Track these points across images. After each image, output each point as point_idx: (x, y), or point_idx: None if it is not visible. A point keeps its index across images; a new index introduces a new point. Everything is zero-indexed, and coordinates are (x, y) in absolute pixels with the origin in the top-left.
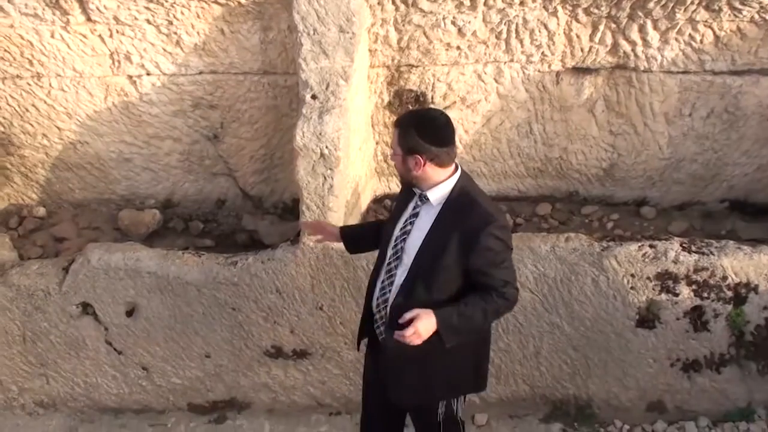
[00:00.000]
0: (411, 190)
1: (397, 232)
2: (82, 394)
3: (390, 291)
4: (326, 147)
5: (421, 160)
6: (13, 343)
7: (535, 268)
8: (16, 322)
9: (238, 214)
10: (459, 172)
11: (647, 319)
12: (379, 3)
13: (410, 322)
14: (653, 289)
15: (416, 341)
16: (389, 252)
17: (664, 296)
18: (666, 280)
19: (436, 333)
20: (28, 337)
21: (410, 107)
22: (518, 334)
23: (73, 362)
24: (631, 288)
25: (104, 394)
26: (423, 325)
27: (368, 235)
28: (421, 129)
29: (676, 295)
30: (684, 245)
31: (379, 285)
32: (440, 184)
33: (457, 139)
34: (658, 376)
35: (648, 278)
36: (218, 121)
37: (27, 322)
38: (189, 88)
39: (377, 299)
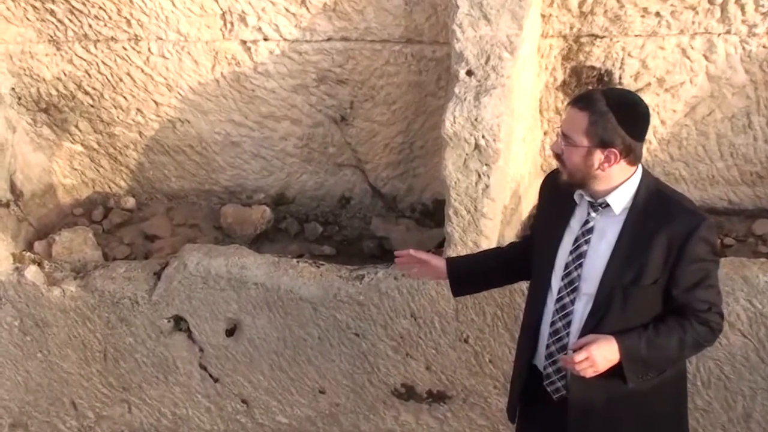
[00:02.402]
0: (568, 198)
1: (565, 256)
2: (170, 427)
3: (568, 334)
4: (483, 136)
5: (617, 156)
6: (92, 360)
7: (749, 305)
8: (97, 334)
9: (366, 216)
10: (641, 168)
11: None
12: None
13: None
14: None
15: (588, 372)
16: (558, 284)
17: None
18: None
19: (616, 367)
20: (109, 354)
21: (591, 89)
22: (723, 389)
23: (160, 388)
24: None
25: (195, 429)
26: (600, 352)
27: (489, 269)
28: (622, 116)
29: None
30: None
31: (548, 329)
32: (622, 186)
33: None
34: None
35: None
36: (347, 100)
37: (110, 335)
38: (314, 58)
39: (549, 347)
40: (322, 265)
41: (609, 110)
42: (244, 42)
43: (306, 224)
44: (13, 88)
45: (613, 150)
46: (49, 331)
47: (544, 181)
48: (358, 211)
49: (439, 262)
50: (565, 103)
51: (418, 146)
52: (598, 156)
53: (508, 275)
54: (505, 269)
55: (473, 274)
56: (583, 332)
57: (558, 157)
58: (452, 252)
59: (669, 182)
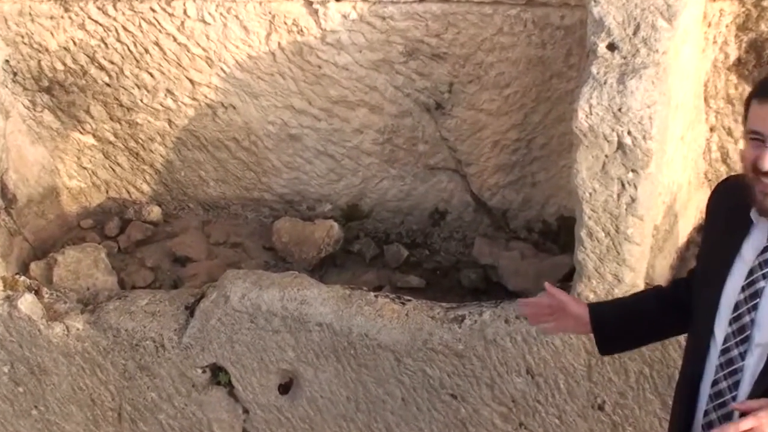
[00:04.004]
0: (742, 217)
1: (734, 294)
2: None
3: (735, 397)
4: (629, 132)
5: None
6: (102, 421)
7: None
8: (110, 387)
9: (467, 236)
10: None
11: None
12: None
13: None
14: None
15: None
16: (725, 331)
17: None
18: None
19: None
20: (126, 412)
21: None
22: None
23: None
24: None
25: None
26: None
27: (646, 314)
28: None
29: None
30: None
31: (708, 390)
32: None
33: None
34: None
35: None
36: (445, 81)
37: (126, 388)
38: (401, 25)
39: (709, 414)
40: (408, 301)
41: None
42: (309, 3)
43: (386, 246)
44: (7, 61)
45: None
46: (48, 381)
47: (713, 194)
48: (456, 229)
49: (579, 309)
50: (739, 88)
51: (538, 144)
52: None
53: (671, 323)
54: (668, 315)
55: (626, 323)
56: (757, 392)
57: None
58: (585, 288)
59: None
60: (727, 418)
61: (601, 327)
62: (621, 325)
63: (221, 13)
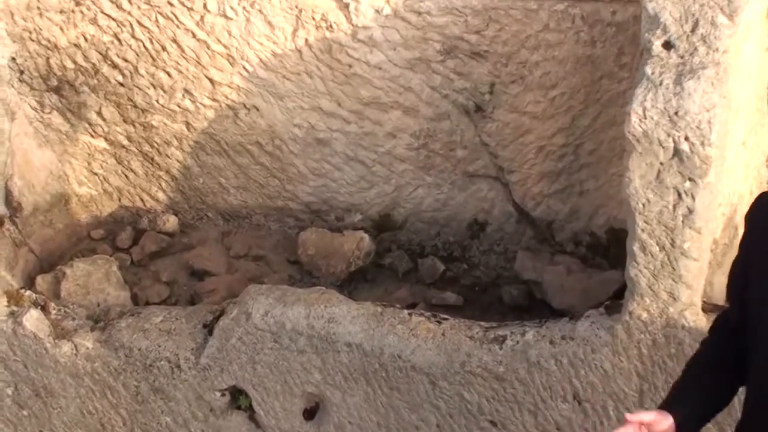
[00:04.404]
0: None
1: None
2: None
3: None
4: (686, 138)
5: None
6: None
7: None
8: (121, 411)
9: (508, 249)
10: None
11: None
12: None
13: None
14: None
15: None
16: None
17: None
18: None
19: None
20: None
21: None
22: None
23: None
24: None
25: None
26: None
27: (718, 386)
28: None
29: None
30: None
31: None
32: None
33: None
34: None
35: None
36: (486, 82)
37: (139, 412)
38: (439, 21)
39: None
40: (445, 320)
41: None
42: None
43: (421, 260)
44: (13, 58)
45: None
46: (55, 404)
47: (753, 207)
48: (497, 242)
49: (668, 419)
50: None
51: (586, 150)
52: None
53: (739, 377)
54: (736, 370)
55: (704, 405)
56: None
57: None
58: (637, 306)
59: None
60: None
61: (687, 421)
62: (703, 413)
63: (244, 8)
